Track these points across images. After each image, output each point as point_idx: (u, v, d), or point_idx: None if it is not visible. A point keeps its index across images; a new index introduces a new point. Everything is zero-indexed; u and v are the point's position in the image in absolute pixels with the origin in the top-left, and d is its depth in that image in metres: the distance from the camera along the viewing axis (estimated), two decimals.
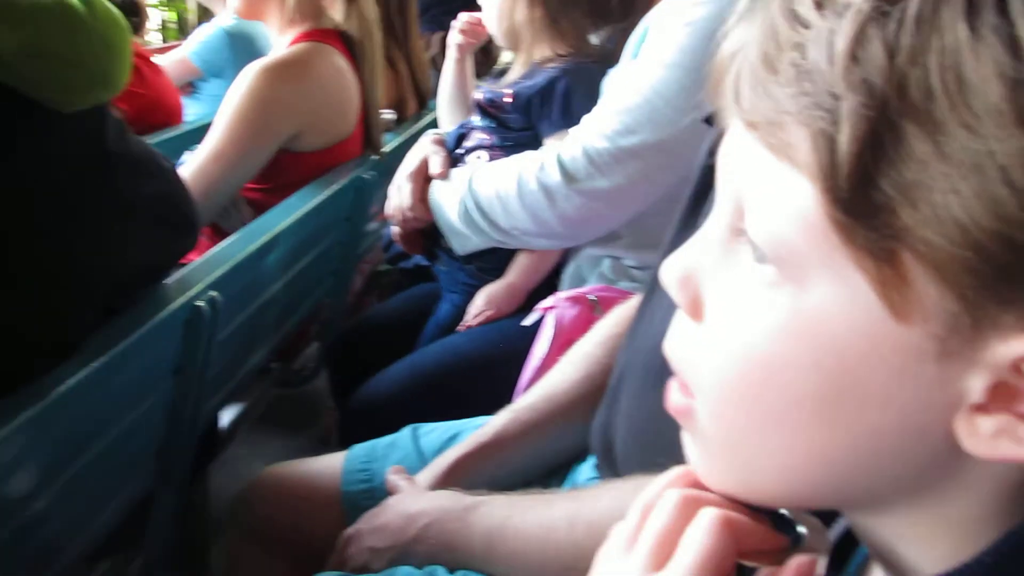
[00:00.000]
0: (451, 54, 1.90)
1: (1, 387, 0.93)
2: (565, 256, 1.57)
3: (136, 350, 1.10)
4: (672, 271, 0.45)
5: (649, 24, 1.39)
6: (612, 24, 1.63)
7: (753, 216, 0.40)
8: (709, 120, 0.90)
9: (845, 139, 0.36)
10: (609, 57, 1.59)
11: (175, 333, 1.22)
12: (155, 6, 5.65)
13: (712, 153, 0.86)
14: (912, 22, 0.35)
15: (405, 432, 1.18)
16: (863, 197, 0.36)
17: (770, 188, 0.39)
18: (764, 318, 0.40)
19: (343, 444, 1.53)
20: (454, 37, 1.91)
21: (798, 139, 0.37)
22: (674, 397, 0.45)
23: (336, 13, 2.05)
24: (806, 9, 0.38)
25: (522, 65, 1.59)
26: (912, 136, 0.35)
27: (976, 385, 0.36)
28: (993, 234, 0.34)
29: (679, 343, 0.45)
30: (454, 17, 2.02)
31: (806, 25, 0.38)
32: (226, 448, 1.82)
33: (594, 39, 1.64)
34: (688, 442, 0.46)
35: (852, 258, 0.37)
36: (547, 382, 1.06)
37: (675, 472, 0.48)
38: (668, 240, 0.93)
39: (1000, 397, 0.36)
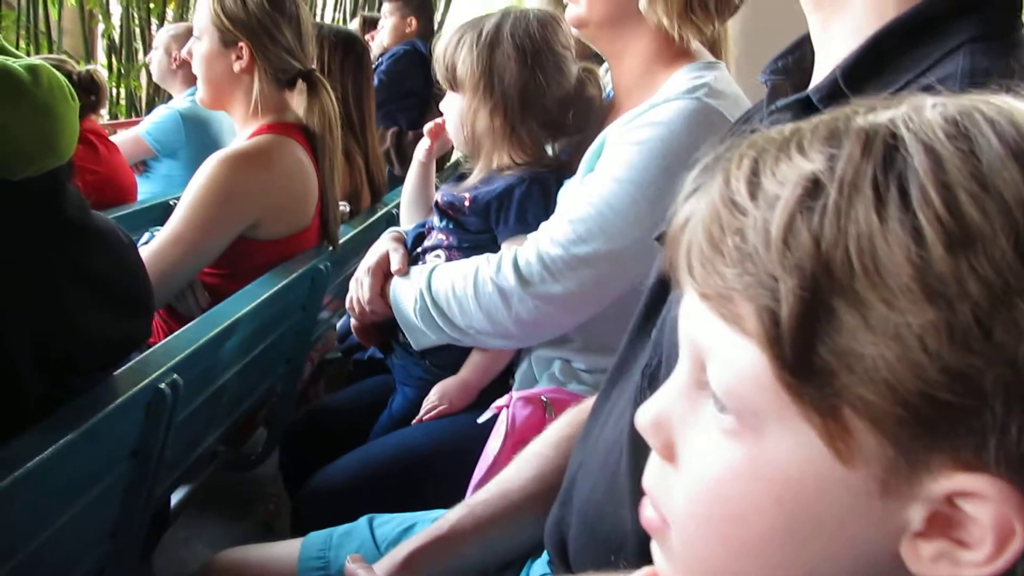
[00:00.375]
0: (418, 156, 1.97)
1: None
2: (518, 355, 1.62)
3: (97, 431, 1.11)
4: (645, 416, 0.51)
5: (604, 139, 1.48)
6: (567, 136, 1.71)
7: (712, 373, 0.46)
8: (660, 239, 0.98)
9: (785, 314, 0.42)
10: (564, 167, 1.67)
11: (136, 415, 1.24)
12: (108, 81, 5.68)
13: (663, 272, 0.94)
14: (832, 213, 0.42)
15: (362, 521, 1.21)
16: (806, 362, 0.42)
17: (725, 350, 0.45)
18: (727, 462, 0.46)
19: (294, 531, 1.55)
20: (423, 142, 1.97)
21: (746, 312, 0.43)
22: (648, 514, 0.51)
23: (298, 107, 2.11)
24: (742, 198, 0.45)
25: (481, 170, 1.65)
26: (842, 310, 0.41)
27: (916, 516, 0.42)
28: (917, 393, 0.40)
29: (654, 479, 0.51)
30: (408, 114, 2.10)
31: (743, 212, 0.44)
32: (167, 530, 1.82)
33: (550, 150, 1.72)
34: (657, 551, 0.52)
35: (801, 413, 0.43)
36: (501, 479, 1.10)
37: (643, 572, 0.54)
38: (621, 351, 1.00)
39: (937, 525, 0.42)
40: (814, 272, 0.42)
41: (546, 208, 1.57)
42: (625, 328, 1.45)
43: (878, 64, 0.75)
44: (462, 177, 1.72)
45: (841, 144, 0.44)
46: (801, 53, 0.87)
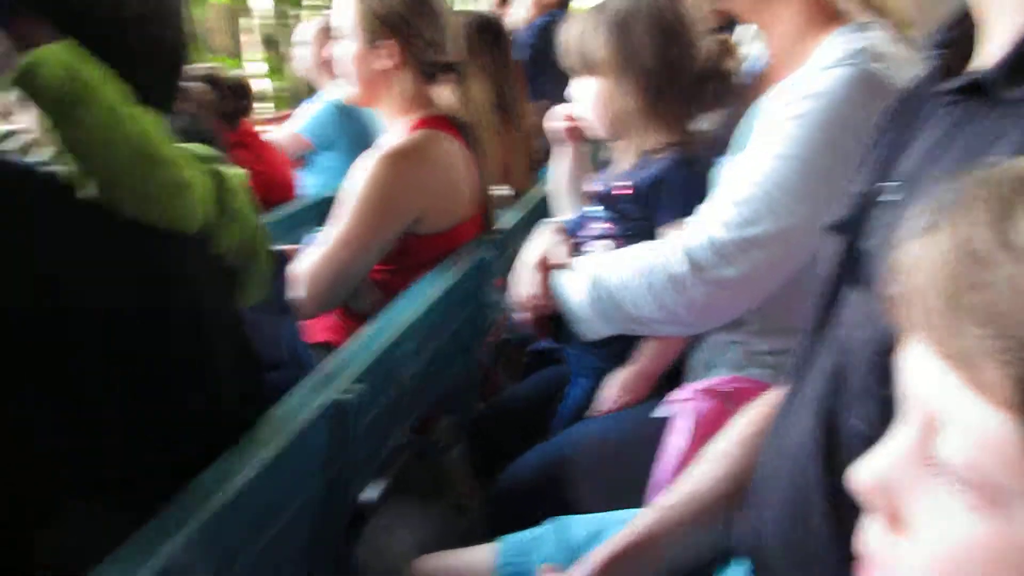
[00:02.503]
0: (562, 144, 1.95)
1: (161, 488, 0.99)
2: (691, 341, 1.60)
3: (291, 447, 1.16)
4: (864, 481, 0.47)
5: (755, 115, 1.43)
6: (711, 110, 1.67)
7: (948, 443, 0.41)
8: (833, 228, 0.93)
9: None
10: (716, 145, 1.63)
11: (324, 427, 1.28)
12: (263, 76, 5.88)
13: (837, 265, 0.89)
14: None
15: (551, 526, 1.22)
16: None
17: (964, 417, 0.40)
18: (968, 544, 0.41)
19: (489, 529, 1.59)
20: (560, 128, 1.93)
21: (995, 378, 0.38)
22: None
23: (447, 97, 2.13)
24: (987, 249, 0.39)
25: (631, 155, 1.62)
26: None
27: None
28: None
29: (875, 545, 0.48)
30: (559, 86, 2.06)
31: (990, 265, 0.39)
32: (367, 522, 1.89)
33: (699, 126, 1.68)
34: None
35: None
36: (690, 480, 1.08)
37: None
38: (800, 349, 0.96)
39: None
40: None
41: (704, 190, 1.53)
42: (802, 304, 1.41)
43: None
44: (606, 164, 1.69)
45: None
46: (963, 28, 0.81)
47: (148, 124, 1.01)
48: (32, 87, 0.93)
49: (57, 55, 0.93)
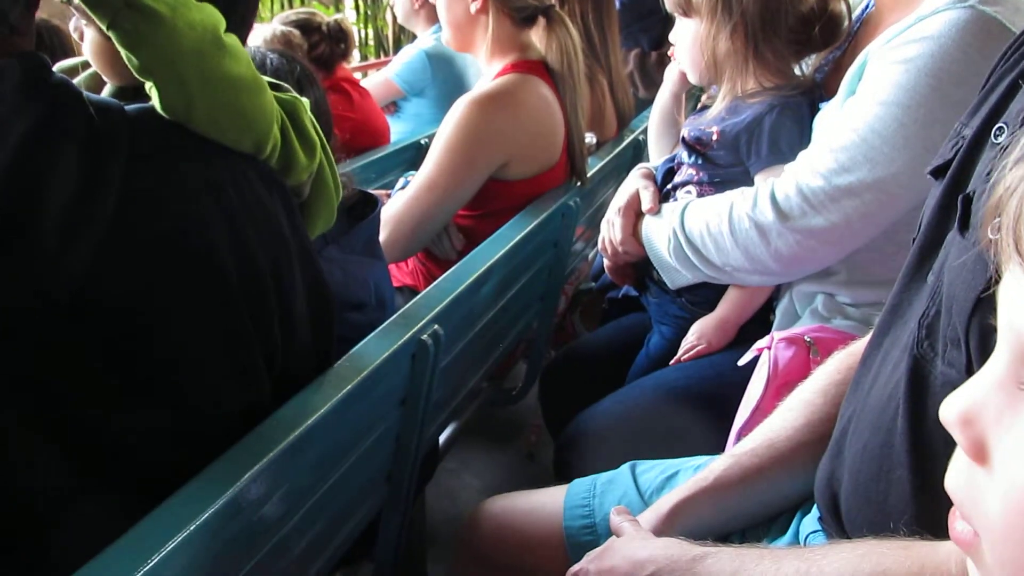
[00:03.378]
0: (668, 85, 1.91)
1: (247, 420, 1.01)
2: (777, 290, 1.56)
3: (369, 383, 1.17)
4: (952, 410, 0.45)
5: (866, 59, 1.37)
6: (815, 52, 1.61)
7: None
8: (935, 173, 0.90)
9: None
10: (816, 90, 1.57)
11: (402, 366, 1.29)
12: (353, 23, 5.90)
13: (940, 210, 0.86)
14: None
15: (624, 469, 1.21)
16: None
17: None
18: None
19: (558, 475, 1.58)
20: (671, 68, 1.89)
21: None
22: (958, 527, 0.46)
23: (538, 40, 2.10)
24: None
25: (726, 98, 1.57)
26: None
27: None
28: None
29: (962, 483, 0.46)
30: (650, 33, 2.01)
31: None
32: (438, 465, 1.92)
33: (799, 70, 1.62)
34: (972, 571, 0.47)
35: None
36: (767, 427, 1.06)
37: None
38: (893, 295, 0.93)
39: None
40: None
41: (801, 135, 1.49)
42: (892, 259, 1.37)
43: None
44: (704, 109, 1.65)
45: None
46: None
47: (236, 47, 1.01)
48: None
49: None
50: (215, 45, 0.97)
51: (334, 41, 3.04)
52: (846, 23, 1.54)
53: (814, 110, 1.52)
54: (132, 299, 0.90)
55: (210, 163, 0.99)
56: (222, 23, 0.99)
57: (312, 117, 1.16)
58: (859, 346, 1.05)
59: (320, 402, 1.08)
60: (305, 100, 1.15)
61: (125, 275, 0.89)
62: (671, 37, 1.67)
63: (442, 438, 1.87)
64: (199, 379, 0.97)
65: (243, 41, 1.10)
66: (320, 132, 1.17)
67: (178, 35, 0.94)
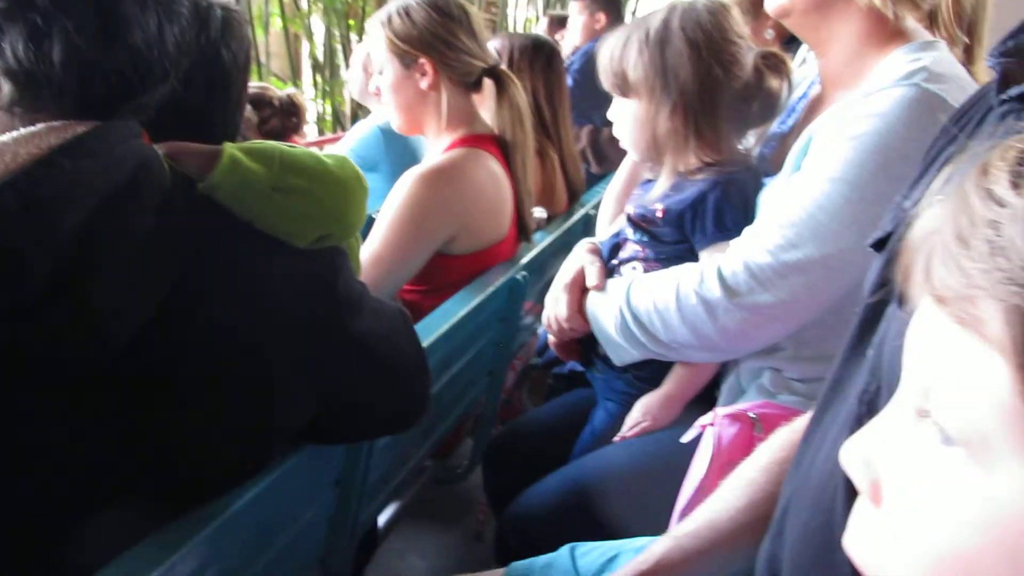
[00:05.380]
0: (623, 174, 1.90)
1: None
2: (724, 367, 1.54)
3: (300, 466, 1.13)
4: (853, 454, 0.46)
5: (812, 135, 1.38)
6: (754, 128, 1.61)
7: (942, 399, 0.40)
8: (877, 246, 0.89)
9: None
10: (761, 165, 1.57)
11: (336, 447, 1.25)
12: (311, 99, 5.94)
13: (879, 288, 0.85)
14: None
15: (564, 552, 1.17)
16: None
17: (960, 370, 0.39)
18: (952, 510, 0.40)
19: (498, 555, 1.53)
20: None
21: (990, 314, 0.38)
22: None
23: (489, 107, 2.10)
24: (1002, 189, 0.39)
25: (668, 177, 1.56)
26: None
27: None
28: None
29: (862, 542, 0.46)
30: (603, 110, 2.01)
31: (1001, 204, 0.39)
32: (381, 543, 1.86)
33: (743, 146, 1.62)
34: None
35: None
36: (709, 508, 1.03)
37: None
38: (834, 371, 0.91)
39: None
40: None
41: (745, 212, 1.48)
42: (839, 334, 1.35)
43: None
44: (649, 182, 1.64)
45: None
46: None
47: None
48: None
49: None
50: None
51: (286, 115, 3.04)
52: (784, 97, 1.55)
53: (758, 186, 1.51)
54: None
55: None
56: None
57: None
58: (802, 422, 1.03)
59: (249, 483, 1.04)
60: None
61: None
62: (609, 115, 1.66)
63: (383, 518, 1.81)
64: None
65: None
66: None
67: None
